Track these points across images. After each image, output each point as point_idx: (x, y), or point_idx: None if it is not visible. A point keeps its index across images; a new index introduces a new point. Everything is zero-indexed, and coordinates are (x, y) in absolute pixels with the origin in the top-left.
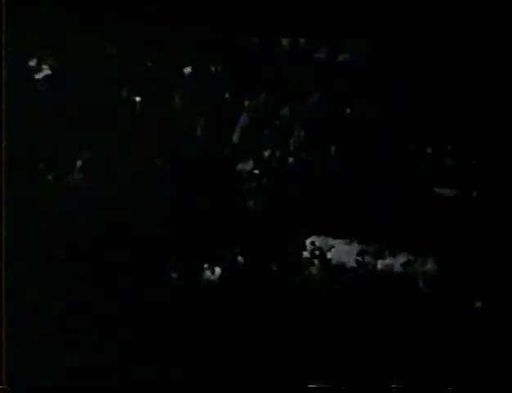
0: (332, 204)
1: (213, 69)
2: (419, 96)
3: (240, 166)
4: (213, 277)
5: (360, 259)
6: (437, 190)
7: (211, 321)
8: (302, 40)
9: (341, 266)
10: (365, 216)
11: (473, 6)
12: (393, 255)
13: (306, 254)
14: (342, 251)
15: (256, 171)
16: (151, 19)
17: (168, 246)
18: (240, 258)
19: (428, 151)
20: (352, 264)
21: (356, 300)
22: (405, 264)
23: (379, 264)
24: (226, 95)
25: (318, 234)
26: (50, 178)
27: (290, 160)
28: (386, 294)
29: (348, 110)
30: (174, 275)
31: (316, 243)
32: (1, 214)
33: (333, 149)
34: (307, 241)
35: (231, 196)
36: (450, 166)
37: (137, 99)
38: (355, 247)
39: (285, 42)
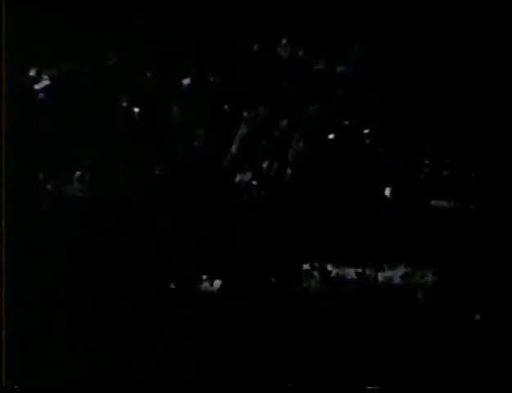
0: (330, 215)
1: (211, 80)
2: (418, 108)
3: (238, 177)
4: (211, 289)
5: (360, 270)
6: (435, 202)
7: (209, 332)
8: (301, 51)
9: (341, 278)
10: (363, 228)
11: (470, 23)
12: (392, 267)
13: (306, 266)
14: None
15: (254, 182)
16: (151, 29)
17: (166, 256)
18: (238, 269)
19: (427, 162)
20: (353, 275)
21: (355, 312)
22: (404, 276)
23: (380, 276)
24: (225, 106)
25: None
26: (49, 187)
27: (288, 171)
28: (386, 306)
29: (347, 122)
30: (172, 286)
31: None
32: (1, 221)
33: (331, 160)
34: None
35: (229, 207)
36: (448, 178)
37: (136, 110)
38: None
39: (284, 53)
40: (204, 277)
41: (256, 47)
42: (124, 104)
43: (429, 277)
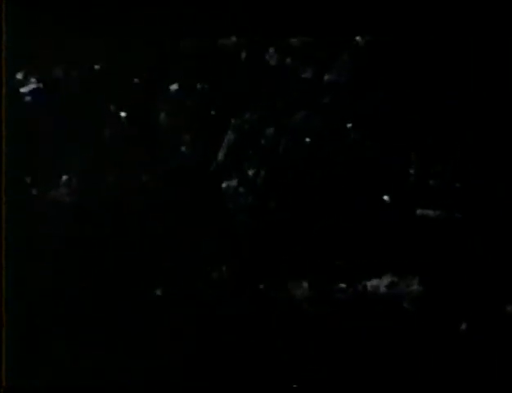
0: (316, 223)
1: (199, 86)
2: (403, 117)
3: (225, 184)
4: (199, 294)
5: (346, 280)
6: (420, 211)
7: (197, 339)
8: (288, 59)
9: (329, 286)
10: (349, 236)
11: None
12: (378, 276)
13: (293, 273)
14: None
15: (241, 189)
16: (138, 35)
17: (153, 262)
18: (226, 275)
19: (412, 172)
20: (340, 284)
21: (343, 320)
22: (390, 285)
23: (367, 285)
24: (212, 112)
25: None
26: (35, 192)
27: (275, 178)
28: (372, 314)
29: (334, 130)
30: (159, 292)
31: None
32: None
33: (318, 168)
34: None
35: (216, 214)
36: (433, 188)
37: (123, 114)
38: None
39: (271, 61)
40: (192, 283)
41: (244, 54)
42: (111, 109)
43: (415, 287)
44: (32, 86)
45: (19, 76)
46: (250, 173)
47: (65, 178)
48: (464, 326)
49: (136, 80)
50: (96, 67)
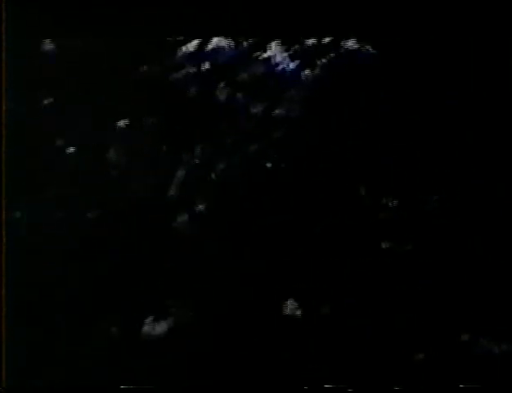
0: (269, 259)
1: (149, 121)
2: (353, 151)
3: (176, 219)
4: (155, 332)
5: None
6: (374, 243)
7: (154, 379)
8: (239, 94)
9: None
10: (309, 269)
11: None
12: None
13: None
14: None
15: (192, 224)
16: (86, 71)
17: (107, 299)
18: (180, 311)
19: (363, 203)
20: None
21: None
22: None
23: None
24: (164, 148)
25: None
26: None
27: (226, 212)
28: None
29: (283, 165)
30: (114, 329)
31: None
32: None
33: (270, 202)
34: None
35: (167, 248)
36: (385, 220)
37: (72, 150)
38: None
39: (221, 96)
40: (148, 319)
41: (193, 89)
42: (60, 144)
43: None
44: None
45: None
46: (201, 207)
47: (18, 214)
48: (421, 356)
49: (85, 117)
50: (45, 102)
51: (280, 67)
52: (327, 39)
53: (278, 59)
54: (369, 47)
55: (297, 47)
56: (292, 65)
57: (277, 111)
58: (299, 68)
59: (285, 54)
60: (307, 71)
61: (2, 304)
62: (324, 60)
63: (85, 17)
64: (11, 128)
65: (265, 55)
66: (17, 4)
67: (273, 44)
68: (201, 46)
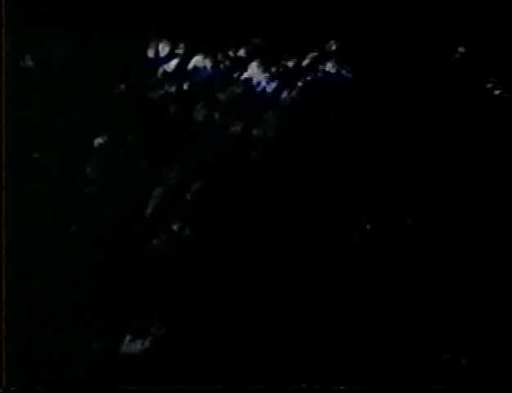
0: (245, 276)
1: (127, 139)
2: (329, 173)
3: (153, 240)
4: (133, 351)
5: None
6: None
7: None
8: (216, 114)
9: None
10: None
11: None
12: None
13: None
14: None
15: (168, 245)
16: (63, 86)
17: (86, 319)
18: (160, 332)
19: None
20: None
21: None
22: None
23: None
24: (142, 165)
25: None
26: None
27: (202, 233)
28: None
29: (261, 185)
30: (95, 345)
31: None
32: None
33: (247, 227)
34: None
35: (142, 270)
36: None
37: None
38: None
39: (199, 116)
40: (128, 338)
41: (172, 108)
42: (36, 158)
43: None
44: None
45: None
46: (175, 228)
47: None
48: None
49: (62, 132)
50: (24, 115)
51: (259, 87)
52: (306, 61)
53: (257, 79)
54: (348, 69)
55: (276, 67)
56: (271, 86)
57: (255, 131)
58: (278, 89)
59: (264, 75)
60: (285, 92)
61: (2, 304)
62: (302, 82)
63: (66, 29)
64: None
65: (245, 75)
66: None
67: (253, 64)
68: (181, 64)
